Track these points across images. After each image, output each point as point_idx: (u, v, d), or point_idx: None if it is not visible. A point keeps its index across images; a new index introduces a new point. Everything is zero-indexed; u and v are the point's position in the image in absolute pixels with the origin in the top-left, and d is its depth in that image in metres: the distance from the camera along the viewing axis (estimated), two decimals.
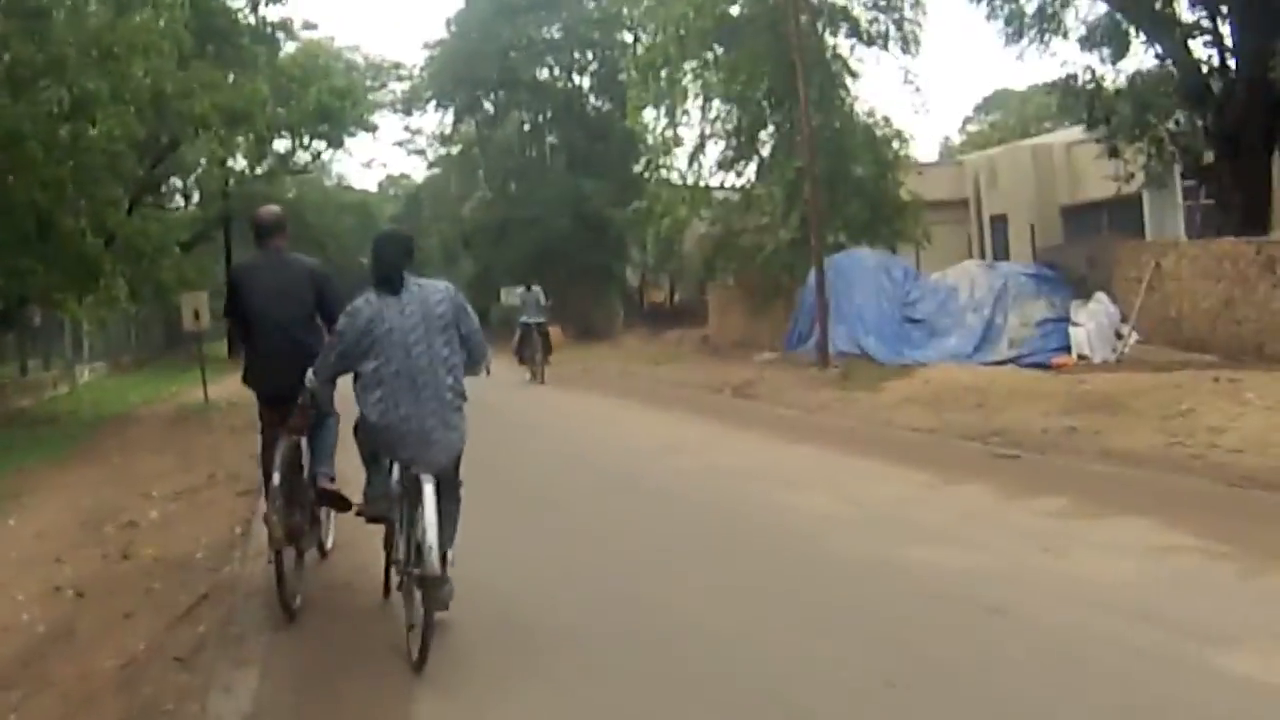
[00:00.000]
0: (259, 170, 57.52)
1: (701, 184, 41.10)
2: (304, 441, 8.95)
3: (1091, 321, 25.93)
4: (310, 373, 7.97)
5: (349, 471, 9.15)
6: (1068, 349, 25.95)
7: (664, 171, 41.75)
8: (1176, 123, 28.01)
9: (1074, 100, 29.50)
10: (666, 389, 25.87)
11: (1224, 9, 26.50)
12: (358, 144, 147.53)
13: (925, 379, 22.34)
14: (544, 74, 62.22)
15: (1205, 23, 27.15)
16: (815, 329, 30.34)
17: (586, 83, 62.56)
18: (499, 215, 59.72)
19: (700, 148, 40.84)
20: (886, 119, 37.57)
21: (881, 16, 38.04)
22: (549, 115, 61.90)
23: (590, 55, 61.14)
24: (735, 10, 38.26)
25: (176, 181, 56.97)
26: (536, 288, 31.49)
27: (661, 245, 45.50)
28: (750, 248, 38.82)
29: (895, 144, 37.74)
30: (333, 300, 8.93)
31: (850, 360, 27.76)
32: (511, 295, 55.49)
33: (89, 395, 32.71)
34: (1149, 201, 33.95)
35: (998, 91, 75.03)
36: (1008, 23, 30.45)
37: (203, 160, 39.88)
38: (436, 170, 76.59)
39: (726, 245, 40.00)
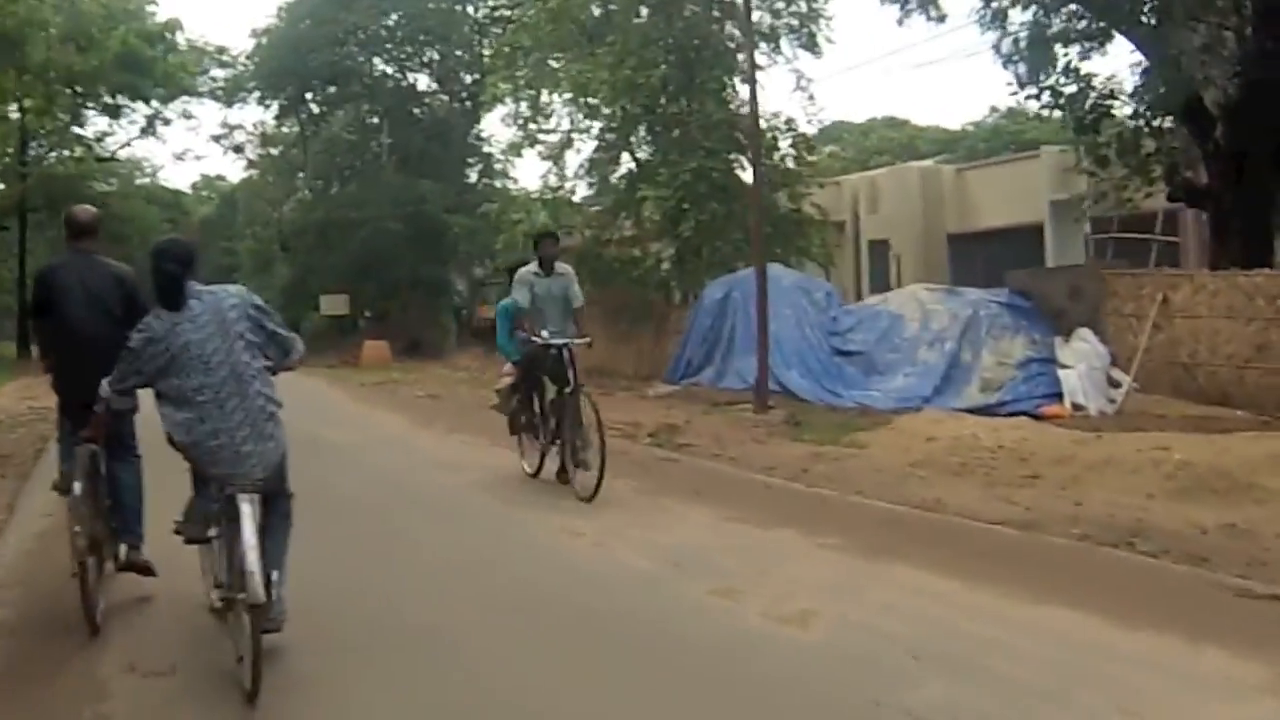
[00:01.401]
0: (52, 137, 49.90)
1: (565, 186, 34.70)
2: (102, 467, 8.12)
3: (1081, 363, 20.79)
4: (105, 382, 7.19)
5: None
6: (1058, 396, 20.61)
7: (512, 171, 35.45)
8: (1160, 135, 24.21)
9: (1063, 104, 24.98)
10: None
11: (1228, 15, 22.36)
12: (172, 132, 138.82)
13: (910, 431, 16.78)
14: (378, 68, 55.99)
15: (1203, 29, 22.71)
16: (715, 359, 26.48)
17: (424, 81, 56.39)
18: (320, 217, 53.00)
19: (566, 144, 34.44)
20: (790, 122, 31.63)
21: (781, 9, 32.59)
22: (382, 113, 55.08)
23: (431, 51, 54.90)
24: None
25: None
26: (565, 268, 13.68)
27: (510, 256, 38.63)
28: (617, 262, 33.69)
29: (796, 151, 32.18)
30: (140, 308, 8.09)
31: (778, 400, 22.21)
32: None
33: None
34: (1051, 231, 31.27)
35: (835, 123, 69.66)
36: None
37: None
38: (255, 172, 69.78)
39: (590, 259, 33.36)
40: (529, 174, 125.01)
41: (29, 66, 27.09)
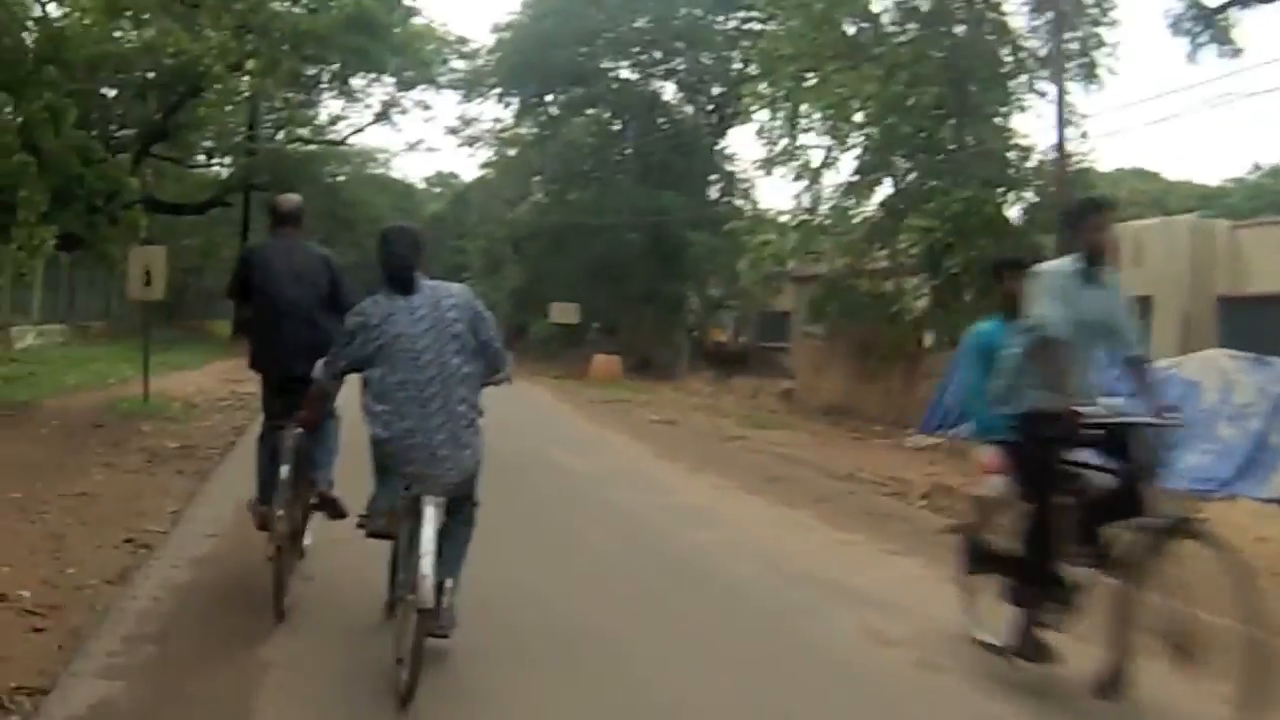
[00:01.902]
0: (281, 113, 49.42)
1: (821, 208, 32.14)
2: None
3: None
4: (319, 365, 7.14)
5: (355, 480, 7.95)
6: None
7: (754, 191, 33.24)
8: None
9: None
10: (823, 485, 16.54)
11: None
12: (407, 122, 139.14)
13: (1229, 524, 13.36)
14: (623, 73, 53.89)
15: None
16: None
17: (669, 90, 54.04)
18: (555, 222, 51.18)
19: (826, 163, 31.91)
20: (1068, 158, 28.09)
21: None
22: (626, 119, 53.07)
23: (678, 58, 52.47)
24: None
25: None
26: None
27: (756, 278, 36.51)
28: (868, 296, 31.33)
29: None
30: (345, 291, 8.57)
31: None
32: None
33: (8, 369, 24.57)
34: None
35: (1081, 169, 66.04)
36: None
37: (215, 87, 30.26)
38: (489, 172, 68.39)
39: (842, 289, 31.04)
40: (772, 194, 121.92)
41: (253, 25, 25.29)
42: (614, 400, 30.76)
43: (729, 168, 53.36)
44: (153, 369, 23.95)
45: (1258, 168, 63.09)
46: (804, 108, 30.97)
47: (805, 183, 32.72)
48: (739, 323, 53.01)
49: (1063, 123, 20.53)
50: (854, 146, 30.70)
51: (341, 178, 55.22)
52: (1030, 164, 28.89)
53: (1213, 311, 31.66)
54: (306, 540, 8.92)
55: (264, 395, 8.96)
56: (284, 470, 7.77)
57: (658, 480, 15.76)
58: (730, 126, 51.00)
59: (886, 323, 30.29)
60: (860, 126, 29.68)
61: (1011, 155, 28.84)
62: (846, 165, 32.13)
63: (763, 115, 34.30)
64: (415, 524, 6.39)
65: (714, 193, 52.49)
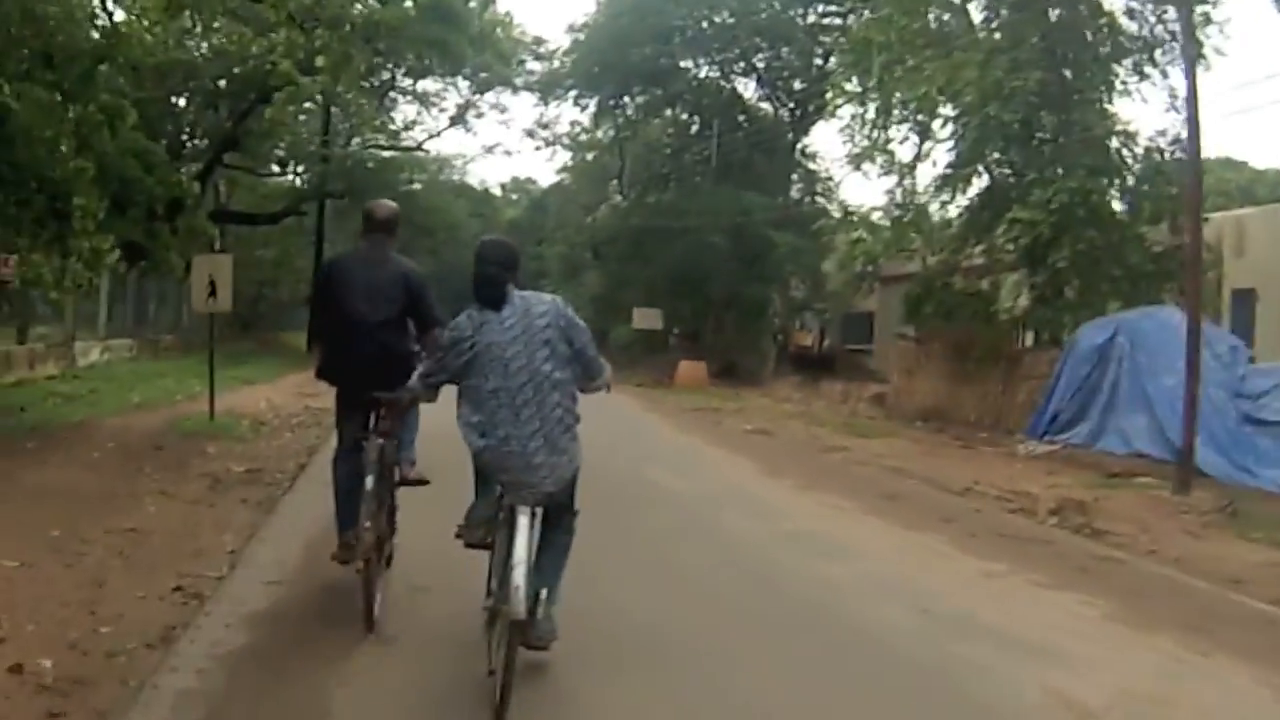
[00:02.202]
0: (355, 117, 47.45)
1: (912, 205, 30.51)
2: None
3: None
4: (417, 376, 7.10)
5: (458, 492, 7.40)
6: None
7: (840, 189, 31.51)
8: None
9: None
10: (944, 502, 15.18)
11: None
12: (483, 126, 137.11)
13: None
14: (701, 71, 52.21)
15: None
16: (1091, 415, 22.37)
17: (749, 87, 52.49)
18: (635, 225, 50.12)
19: (919, 157, 30.37)
20: (1177, 142, 26.25)
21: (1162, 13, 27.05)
22: (705, 118, 51.60)
23: (758, 55, 50.70)
24: None
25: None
26: None
27: (846, 278, 34.99)
28: (963, 294, 29.72)
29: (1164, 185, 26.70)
30: (426, 306, 8.44)
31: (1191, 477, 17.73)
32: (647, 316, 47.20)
33: (70, 386, 23.20)
34: None
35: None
36: None
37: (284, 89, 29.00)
38: (566, 176, 67.52)
39: (938, 288, 29.52)
40: (858, 192, 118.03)
41: (321, 18, 23.97)
42: (703, 409, 29.54)
43: (812, 166, 52.17)
44: (223, 384, 22.97)
45: None
46: (895, 98, 29.26)
47: (896, 178, 31.10)
48: (823, 325, 51.37)
49: (1195, 105, 18.72)
50: (948, 139, 29.06)
51: (417, 185, 53.91)
52: (1135, 150, 27.12)
53: None
54: (392, 549, 8.66)
55: (339, 412, 8.71)
56: (369, 481, 7.63)
57: (766, 501, 14.42)
58: (813, 124, 49.65)
59: (983, 323, 28.92)
60: (956, 117, 27.99)
61: (1113, 143, 27.08)
62: (940, 159, 30.66)
63: (849, 109, 32.98)
64: (510, 534, 6.28)
65: (796, 193, 51.16)
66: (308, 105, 49.09)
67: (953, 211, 30.72)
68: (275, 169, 51.14)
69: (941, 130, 29.09)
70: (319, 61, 23.37)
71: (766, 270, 45.05)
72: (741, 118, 50.64)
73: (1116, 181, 26.63)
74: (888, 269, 37.05)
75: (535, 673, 6.53)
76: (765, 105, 52.14)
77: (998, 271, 29.52)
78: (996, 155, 27.71)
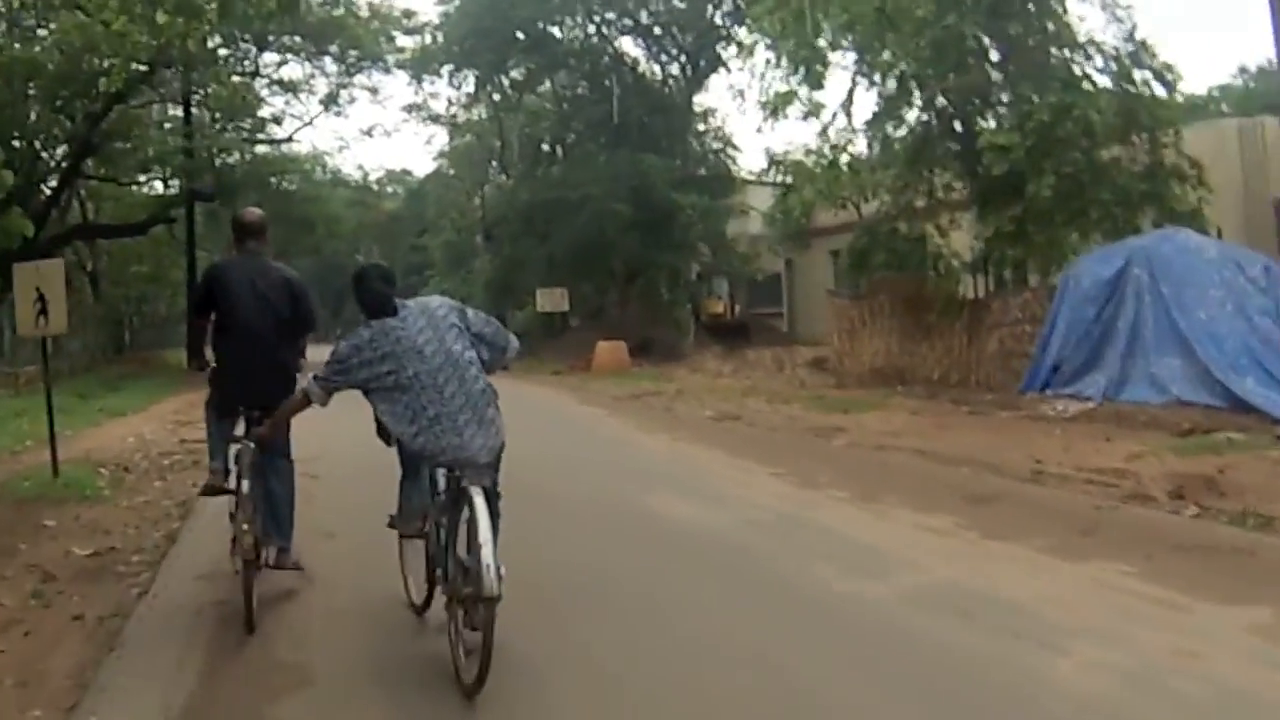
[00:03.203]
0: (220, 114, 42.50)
1: (849, 144, 27.21)
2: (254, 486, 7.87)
3: None
4: (312, 379, 7.03)
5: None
6: None
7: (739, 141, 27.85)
8: None
9: None
10: (1039, 499, 11.18)
11: None
12: (356, 110, 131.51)
13: None
14: (582, 33, 47.54)
15: None
16: (1105, 362, 19.03)
17: (639, 45, 47.83)
18: (526, 202, 45.58)
19: (850, 99, 27.05)
20: (1145, 45, 23.29)
21: None
22: (593, 82, 47.20)
23: (645, 8, 46.24)
24: None
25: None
26: None
27: (776, 236, 31.31)
28: (913, 241, 26.33)
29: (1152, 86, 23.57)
30: (308, 311, 8.60)
31: (1226, 416, 15.69)
32: (552, 297, 43.34)
33: None
34: None
35: None
36: None
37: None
38: (444, 161, 63.66)
39: (881, 238, 26.08)
40: (755, 150, 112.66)
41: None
42: (641, 394, 25.77)
43: (707, 124, 48.14)
44: (87, 418, 20.27)
45: (1244, 71, 58.76)
46: (824, 22, 25.39)
47: (820, 120, 27.45)
48: (733, 291, 47.55)
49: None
50: (891, 64, 25.11)
51: (289, 184, 49.41)
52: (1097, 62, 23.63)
53: (1270, 216, 28.18)
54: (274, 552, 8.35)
55: (209, 407, 8.62)
56: (245, 484, 7.63)
57: (841, 534, 9.83)
58: (706, 79, 45.61)
59: (933, 270, 25.92)
60: (908, 35, 24.16)
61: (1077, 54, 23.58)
62: (867, 95, 26.98)
63: (761, 52, 29.62)
64: (455, 518, 6.49)
65: (697, 152, 46.92)
66: (169, 109, 44.95)
67: (887, 149, 27.19)
68: (141, 177, 46.14)
69: (882, 56, 25.14)
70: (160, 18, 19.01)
71: (674, 236, 41.15)
72: (630, 79, 46.16)
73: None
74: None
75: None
76: (656, 64, 47.76)
77: (943, 211, 26.26)
78: (952, 76, 23.90)
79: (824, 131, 27.23)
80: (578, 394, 27.07)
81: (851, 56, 26.34)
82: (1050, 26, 23.05)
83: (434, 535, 6.96)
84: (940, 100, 24.67)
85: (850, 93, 26.80)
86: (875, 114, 26.28)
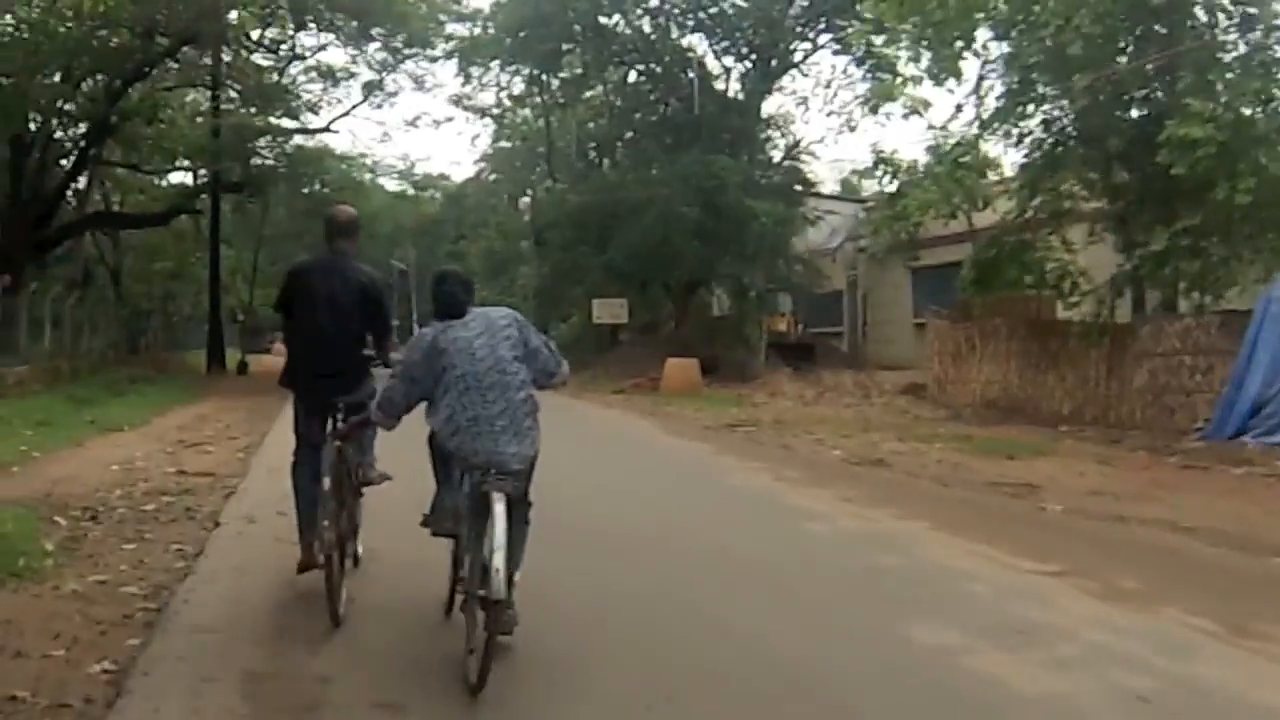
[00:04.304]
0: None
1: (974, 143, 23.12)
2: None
3: None
4: (375, 408, 7.24)
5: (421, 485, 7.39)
6: None
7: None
8: None
9: None
10: None
11: None
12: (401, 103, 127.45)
13: None
14: (647, 27, 43.11)
15: None
16: None
17: (701, 44, 43.40)
18: (580, 204, 41.45)
19: (979, 91, 23.63)
20: None
21: None
22: (656, 78, 42.97)
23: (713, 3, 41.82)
24: None
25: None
26: None
27: (883, 244, 27.50)
28: (1030, 250, 22.69)
29: None
30: (384, 316, 8.55)
31: None
32: (610, 308, 39.68)
33: None
34: None
35: None
36: None
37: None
38: (484, 167, 60.33)
39: (1013, 249, 22.79)
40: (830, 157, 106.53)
41: None
42: (736, 424, 21.55)
43: (785, 127, 44.27)
44: (71, 433, 17.16)
45: None
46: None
47: (922, 117, 25.17)
48: (796, 309, 43.56)
49: None
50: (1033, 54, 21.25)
51: (324, 177, 45.79)
52: None
53: None
54: (358, 549, 8.55)
55: (296, 418, 8.41)
56: (326, 481, 7.47)
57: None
58: (777, 78, 41.52)
59: (1058, 291, 22.40)
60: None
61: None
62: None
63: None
64: (480, 522, 6.38)
65: (769, 156, 42.82)
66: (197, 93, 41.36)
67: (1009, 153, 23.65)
68: (165, 166, 42.46)
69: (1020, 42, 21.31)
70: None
71: (746, 246, 36.78)
72: (696, 77, 41.81)
73: None
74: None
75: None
76: (721, 63, 43.47)
77: (1069, 223, 22.78)
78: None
79: (943, 127, 23.56)
80: (657, 420, 23.08)
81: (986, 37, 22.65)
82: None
83: (462, 536, 6.83)
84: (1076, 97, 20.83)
85: (979, 83, 22.98)
86: (1000, 108, 22.53)
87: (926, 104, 24.82)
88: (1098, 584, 8.18)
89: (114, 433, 18.38)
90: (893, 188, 24.93)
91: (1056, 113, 22.17)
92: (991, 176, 24.22)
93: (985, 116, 22.66)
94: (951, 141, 23.16)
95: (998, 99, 22.69)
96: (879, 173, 25.72)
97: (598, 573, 8.50)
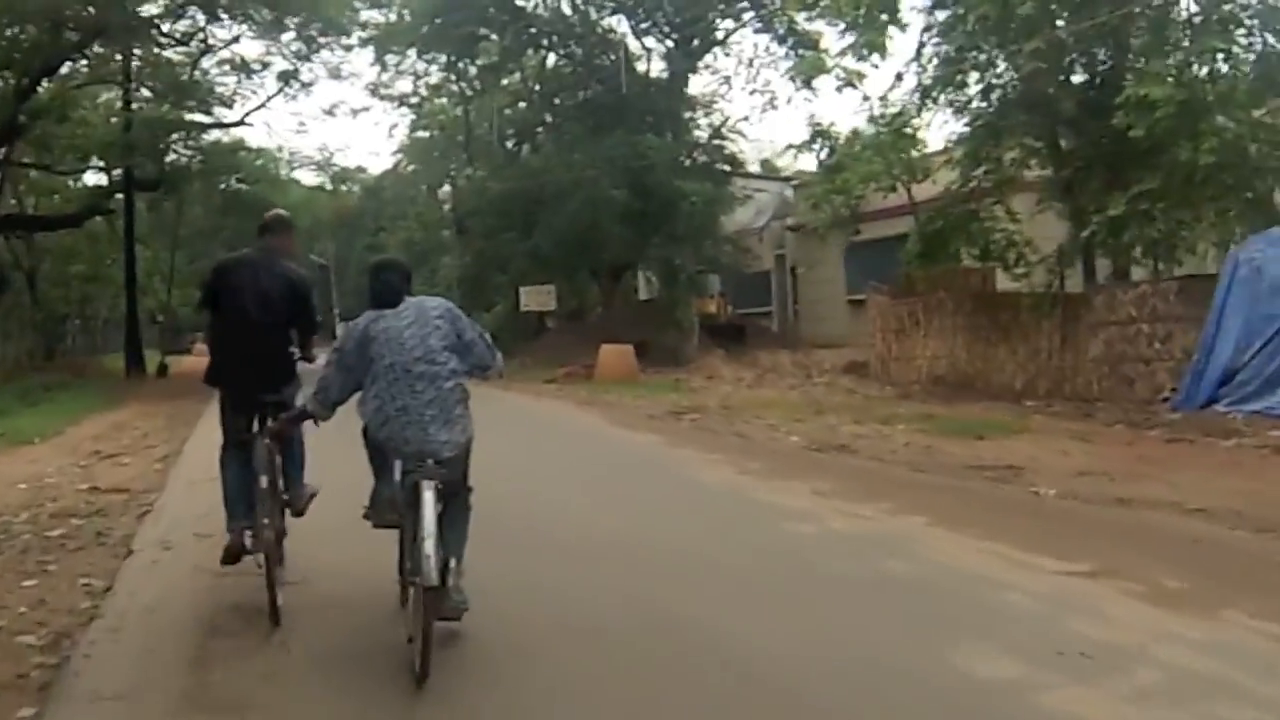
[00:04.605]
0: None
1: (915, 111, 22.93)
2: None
3: None
4: (312, 396, 7.09)
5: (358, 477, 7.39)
6: None
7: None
8: None
9: None
10: None
11: None
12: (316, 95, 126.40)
13: None
14: (565, 9, 41.85)
15: None
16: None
17: (622, 25, 42.01)
18: (502, 191, 40.20)
19: (919, 58, 22.53)
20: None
21: None
22: (577, 60, 41.70)
23: None
24: None
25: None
26: None
27: (825, 221, 26.44)
28: (976, 222, 22.10)
29: None
30: (310, 312, 8.38)
31: None
32: (538, 295, 38.74)
33: None
34: None
35: None
36: None
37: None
38: (402, 157, 59.56)
39: (955, 221, 22.21)
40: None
41: None
42: (681, 411, 20.36)
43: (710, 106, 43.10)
44: None
45: None
46: None
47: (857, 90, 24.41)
48: (723, 290, 42.55)
49: None
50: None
51: (236, 180, 44.44)
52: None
53: None
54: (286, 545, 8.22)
55: (223, 415, 8.22)
56: (263, 480, 7.44)
57: None
58: (699, 58, 40.38)
59: (1004, 262, 21.76)
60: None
61: None
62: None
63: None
64: (414, 511, 6.33)
65: (697, 135, 41.64)
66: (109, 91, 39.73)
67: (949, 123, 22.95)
68: (78, 165, 40.93)
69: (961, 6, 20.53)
70: None
71: (677, 227, 35.86)
72: (618, 58, 40.62)
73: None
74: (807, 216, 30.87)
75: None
76: (646, 42, 42.08)
77: (1013, 192, 22.23)
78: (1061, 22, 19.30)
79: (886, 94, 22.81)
80: (597, 409, 21.97)
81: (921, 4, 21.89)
82: None
83: (404, 527, 6.62)
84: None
85: (919, 50, 22.10)
86: (939, 76, 21.76)
87: (860, 76, 24.12)
88: (1139, 585, 7.21)
89: (23, 446, 16.99)
90: (830, 161, 24.17)
91: (997, 79, 21.50)
92: (931, 148, 23.65)
93: (926, 83, 21.91)
94: (892, 111, 22.42)
95: (936, 67, 22.01)
96: (815, 146, 24.96)
97: (565, 584, 7.68)
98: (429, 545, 5.90)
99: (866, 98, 25.44)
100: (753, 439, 16.07)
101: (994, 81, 21.48)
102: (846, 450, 14.32)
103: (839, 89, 24.47)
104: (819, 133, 24.44)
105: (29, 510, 11.10)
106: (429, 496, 6.16)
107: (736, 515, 10.34)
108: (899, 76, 22.76)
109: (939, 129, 23.74)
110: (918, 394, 21.76)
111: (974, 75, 21.52)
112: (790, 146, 27.67)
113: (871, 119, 23.23)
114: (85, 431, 19.29)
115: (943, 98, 22.11)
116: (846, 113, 39.48)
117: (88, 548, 9.34)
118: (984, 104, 21.69)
